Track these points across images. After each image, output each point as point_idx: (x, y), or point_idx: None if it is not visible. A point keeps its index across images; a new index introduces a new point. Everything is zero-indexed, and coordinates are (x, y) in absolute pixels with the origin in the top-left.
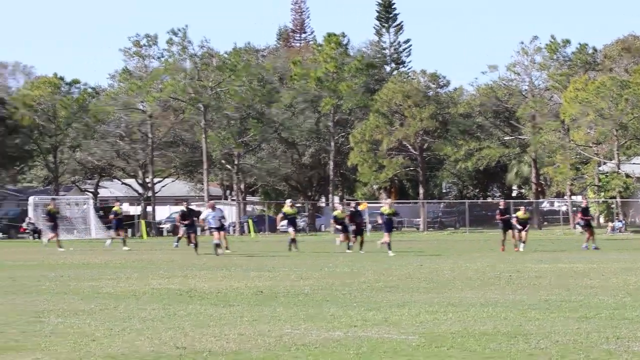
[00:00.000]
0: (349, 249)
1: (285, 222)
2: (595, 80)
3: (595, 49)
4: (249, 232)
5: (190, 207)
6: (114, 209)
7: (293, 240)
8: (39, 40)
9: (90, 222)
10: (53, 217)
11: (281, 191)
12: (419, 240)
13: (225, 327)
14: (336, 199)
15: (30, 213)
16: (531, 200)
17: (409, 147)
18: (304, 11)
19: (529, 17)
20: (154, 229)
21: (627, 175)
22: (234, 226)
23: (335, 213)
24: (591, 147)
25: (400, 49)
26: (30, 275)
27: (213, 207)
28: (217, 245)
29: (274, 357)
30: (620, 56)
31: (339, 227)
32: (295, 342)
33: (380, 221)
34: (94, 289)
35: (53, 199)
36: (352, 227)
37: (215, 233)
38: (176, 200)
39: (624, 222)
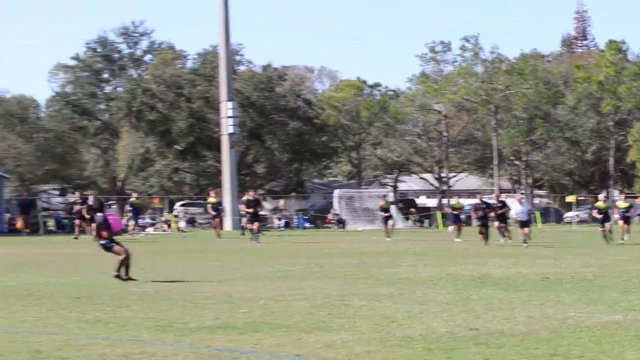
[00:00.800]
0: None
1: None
2: None
3: None
4: (536, 223)
5: (484, 199)
6: (452, 203)
7: (607, 232)
8: (344, 47)
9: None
10: (386, 211)
11: (565, 185)
12: None
13: (515, 311)
14: (615, 193)
15: (335, 205)
16: None
17: None
18: (585, 20)
19: None
20: (449, 219)
21: None
22: None
23: (617, 204)
24: None
25: None
26: (336, 262)
27: (520, 202)
28: (524, 240)
29: (559, 338)
30: None
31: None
32: (579, 324)
33: None
34: (394, 274)
35: (384, 196)
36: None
37: (521, 230)
38: (469, 193)
39: None
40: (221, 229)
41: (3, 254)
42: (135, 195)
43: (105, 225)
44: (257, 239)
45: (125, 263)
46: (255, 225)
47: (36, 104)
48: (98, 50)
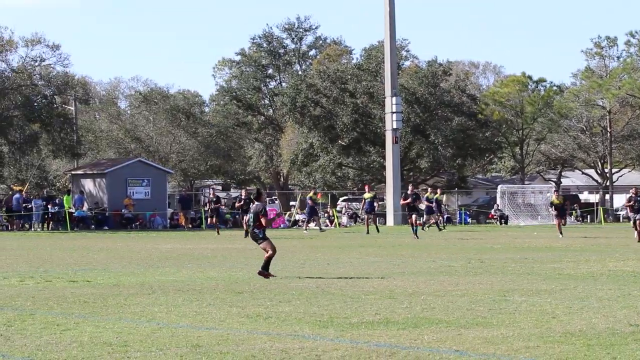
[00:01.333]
0: None
1: None
2: None
3: None
4: None
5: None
6: None
7: None
8: (508, 41)
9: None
10: (557, 207)
11: None
12: None
13: None
14: None
15: (499, 200)
16: None
17: None
18: None
19: None
20: (611, 215)
21: None
22: None
23: None
24: None
25: None
26: (497, 258)
27: None
28: None
29: None
30: None
31: None
32: None
33: None
34: (555, 270)
35: (556, 191)
36: None
37: None
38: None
39: None
40: (374, 223)
41: (165, 249)
42: (313, 190)
43: (264, 213)
44: (416, 233)
45: (270, 260)
46: (416, 220)
47: (201, 100)
48: (263, 45)
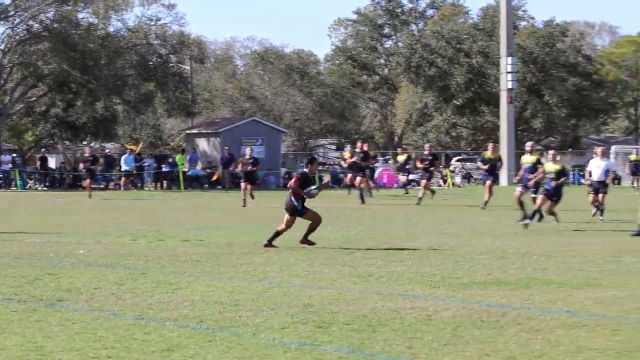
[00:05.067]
0: None
1: None
2: None
3: None
4: None
5: None
6: None
7: None
8: (624, 1)
9: None
10: None
11: None
12: None
13: None
14: None
15: (612, 161)
16: None
17: None
18: None
19: None
20: None
21: None
22: None
23: None
24: None
25: None
26: (610, 218)
27: None
28: None
29: None
30: None
31: None
32: None
33: None
34: None
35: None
36: None
37: None
38: None
39: None
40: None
41: (277, 208)
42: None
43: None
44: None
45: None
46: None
47: (315, 59)
48: (382, 4)
